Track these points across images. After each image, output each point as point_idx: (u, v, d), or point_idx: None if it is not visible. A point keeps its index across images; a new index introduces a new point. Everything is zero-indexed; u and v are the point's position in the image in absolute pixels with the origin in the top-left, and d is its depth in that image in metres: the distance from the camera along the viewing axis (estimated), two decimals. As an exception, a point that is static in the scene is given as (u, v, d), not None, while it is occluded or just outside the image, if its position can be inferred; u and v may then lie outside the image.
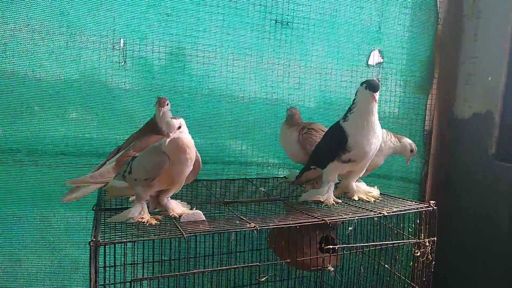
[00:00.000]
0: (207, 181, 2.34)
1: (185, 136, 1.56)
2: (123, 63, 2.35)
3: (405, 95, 2.85)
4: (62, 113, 2.26)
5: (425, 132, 2.94)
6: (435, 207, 1.80)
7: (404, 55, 2.80)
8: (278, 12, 2.55)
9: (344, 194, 2.08)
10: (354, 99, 1.87)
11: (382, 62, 2.77)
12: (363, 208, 1.81)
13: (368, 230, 2.11)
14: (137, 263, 1.77)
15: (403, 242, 1.81)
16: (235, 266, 1.46)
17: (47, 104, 2.22)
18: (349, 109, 1.88)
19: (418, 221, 1.85)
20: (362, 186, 2.07)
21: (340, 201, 1.95)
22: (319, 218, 1.63)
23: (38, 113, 2.21)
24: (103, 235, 1.40)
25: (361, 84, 1.84)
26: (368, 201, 1.97)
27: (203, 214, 1.68)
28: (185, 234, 1.37)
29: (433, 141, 2.93)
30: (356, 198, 1.99)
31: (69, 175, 2.16)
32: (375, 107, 1.84)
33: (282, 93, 2.62)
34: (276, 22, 2.56)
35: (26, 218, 2.23)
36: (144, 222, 1.54)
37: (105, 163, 1.92)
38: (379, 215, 1.70)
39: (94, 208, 1.73)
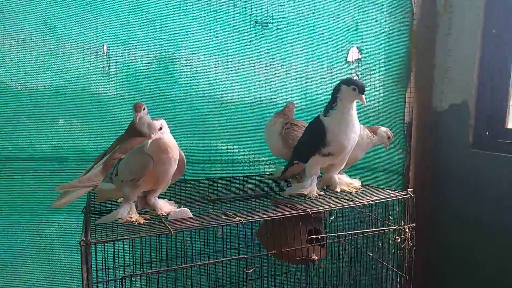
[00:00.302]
0: (194, 180, 2.39)
1: (167, 136, 1.62)
2: (107, 68, 2.40)
3: (384, 89, 2.94)
4: (49, 121, 2.30)
5: (405, 124, 3.03)
6: (412, 195, 1.89)
7: (382, 51, 2.89)
8: (258, 13, 2.62)
9: (327, 186, 2.16)
10: (336, 96, 1.93)
11: (361, 59, 2.86)
12: (344, 199, 1.89)
13: (353, 220, 2.20)
14: (133, 263, 1.83)
15: (382, 230, 1.89)
16: (223, 259, 1.51)
17: (34, 112, 2.26)
18: (331, 105, 1.95)
19: (398, 209, 1.93)
20: (344, 178, 2.15)
21: (323, 193, 2.03)
22: (302, 210, 1.69)
23: (24, 121, 2.25)
24: (93, 235, 1.45)
25: (347, 84, 1.90)
26: (350, 192, 2.04)
27: (192, 211, 1.74)
28: (173, 230, 1.43)
29: (413, 133, 3.02)
30: (338, 190, 2.07)
31: (59, 181, 2.19)
32: (355, 105, 1.92)
33: (265, 94, 2.69)
34: (256, 23, 2.63)
35: (18, 225, 2.26)
36: (132, 221, 1.59)
37: (92, 167, 1.97)
38: (359, 204, 1.77)
39: (83, 211, 1.78)
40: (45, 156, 2.28)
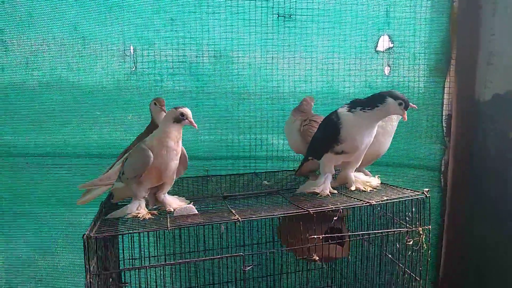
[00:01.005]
0: (215, 176, 2.44)
1: (169, 129, 1.68)
2: (134, 69, 2.51)
3: (419, 79, 2.76)
4: (79, 119, 2.46)
5: (444, 117, 2.83)
6: (428, 195, 1.77)
7: (417, 38, 2.71)
8: (280, 6, 2.58)
9: (343, 185, 2.09)
10: (377, 104, 1.83)
11: (392, 47, 2.70)
12: (354, 198, 1.82)
13: (370, 219, 2.12)
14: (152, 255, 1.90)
15: (392, 231, 1.80)
16: (219, 256, 1.54)
17: (66, 111, 2.44)
18: (363, 106, 1.84)
19: (413, 210, 1.82)
20: (361, 176, 2.07)
21: (335, 192, 1.97)
22: (304, 209, 1.66)
23: (57, 119, 2.43)
24: (99, 229, 1.55)
25: (394, 98, 1.81)
26: (365, 191, 1.96)
27: (201, 207, 1.79)
28: (169, 226, 1.48)
29: (453, 126, 2.81)
30: (353, 188, 1.99)
31: (89, 177, 2.36)
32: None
33: (288, 87, 2.66)
34: (278, 16, 2.59)
35: (41, 218, 2.46)
36: (139, 216, 1.67)
37: (113, 165, 2.09)
38: (366, 204, 1.70)
39: (100, 206, 1.89)
40: (76, 153, 2.45)
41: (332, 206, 1.69)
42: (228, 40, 2.56)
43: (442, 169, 2.86)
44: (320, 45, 2.65)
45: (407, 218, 1.87)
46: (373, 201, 1.73)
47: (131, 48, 2.49)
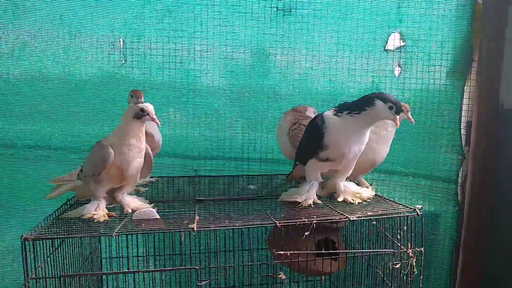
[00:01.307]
0: (201, 177, 2.28)
1: (130, 121, 1.55)
2: (123, 62, 2.40)
3: (435, 82, 2.48)
4: (66, 111, 2.38)
5: (463, 124, 2.53)
6: (420, 213, 1.53)
7: (433, 36, 2.44)
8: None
9: (332, 194, 1.88)
10: (364, 108, 1.63)
11: (404, 46, 2.45)
12: (336, 211, 1.61)
13: (364, 234, 1.89)
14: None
15: (376, 251, 1.57)
16: (169, 268, 1.38)
17: (52, 103, 2.36)
18: (350, 110, 1.66)
19: (405, 228, 1.58)
20: (351, 186, 1.85)
21: (320, 202, 1.76)
22: (271, 221, 1.47)
23: (44, 111, 2.35)
24: (46, 229, 1.43)
25: (383, 101, 1.61)
26: (352, 203, 1.74)
27: (165, 211, 1.64)
28: (114, 233, 1.33)
29: (472, 134, 2.52)
30: (340, 199, 1.78)
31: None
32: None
33: (286, 86, 2.47)
34: (277, 10, 2.40)
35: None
36: (94, 218, 1.54)
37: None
38: (344, 219, 1.49)
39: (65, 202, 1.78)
40: (61, 145, 2.36)
41: (304, 219, 1.48)
42: (222, 35, 2.40)
43: (460, 181, 2.56)
44: (323, 42, 2.44)
45: (398, 236, 1.63)
46: (354, 216, 1.51)
47: (121, 40, 2.38)
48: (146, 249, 1.92)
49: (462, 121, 2.51)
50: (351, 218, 1.49)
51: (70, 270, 1.51)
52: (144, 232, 1.35)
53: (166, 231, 1.37)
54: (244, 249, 1.57)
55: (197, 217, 1.55)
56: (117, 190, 1.68)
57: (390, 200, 1.77)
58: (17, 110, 2.33)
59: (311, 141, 1.73)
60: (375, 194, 1.89)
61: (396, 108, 1.57)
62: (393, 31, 2.44)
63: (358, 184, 2.06)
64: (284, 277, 1.52)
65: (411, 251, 1.52)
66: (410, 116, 1.90)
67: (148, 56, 2.40)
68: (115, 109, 2.38)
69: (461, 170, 2.53)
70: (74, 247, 1.63)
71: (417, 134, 2.50)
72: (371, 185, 2.52)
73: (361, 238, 1.95)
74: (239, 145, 2.47)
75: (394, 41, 2.45)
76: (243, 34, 2.41)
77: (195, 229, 1.38)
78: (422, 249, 1.54)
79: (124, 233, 1.35)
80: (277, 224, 1.44)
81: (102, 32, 2.37)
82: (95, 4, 2.34)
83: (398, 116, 1.58)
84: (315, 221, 1.46)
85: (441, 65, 2.45)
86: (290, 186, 2.13)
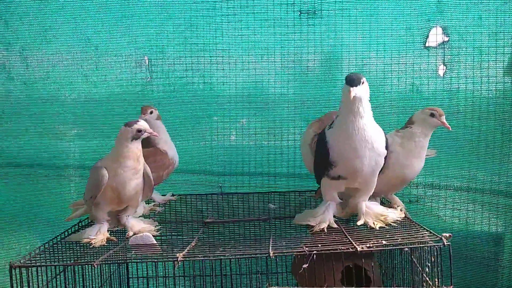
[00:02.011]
0: (218, 194, 2.17)
1: (129, 144, 1.50)
2: (149, 79, 2.40)
3: (489, 81, 2.12)
4: (95, 130, 2.43)
5: (530, 127, 2.14)
6: (447, 242, 1.26)
7: (483, 28, 2.10)
8: (302, 2, 2.22)
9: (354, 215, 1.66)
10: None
11: (448, 41, 2.13)
12: (346, 238, 1.40)
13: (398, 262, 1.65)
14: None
15: None
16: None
17: (81, 122, 2.42)
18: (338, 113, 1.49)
19: (433, 260, 1.32)
20: (375, 207, 1.61)
21: (335, 226, 1.56)
22: (263, 251, 1.31)
23: (75, 131, 2.43)
24: (40, 255, 1.42)
25: (345, 80, 1.43)
26: (373, 228, 1.51)
27: (167, 235, 1.57)
28: (95, 263, 1.28)
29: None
30: (360, 222, 1.56)
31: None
32: (362, 107, 1.41)
33: (314, 93, 2.28)
34: (300, 13, 2.24)
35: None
36: (93, 243, 1.51)
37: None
38: (348, 250, 1.28)
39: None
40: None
41: (305, 248, 1.30)
42: (243, 44, 2.29)
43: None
44: (352, 43, 2.21)
45: (427, 269, 1.38)
46: (364, 245, 1.29)
47: (146, 58, 2.38)
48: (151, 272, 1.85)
49: (525, 124, 2.10)
50: (358, 249, 1.27)
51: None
52: (124, 262, 1.27)
53: (147, 261, 1.27)
54: (242, 273, 1.41)
55: (193, 243, 1.44)
56: (122, 212, 1.64)
57: (418, 225, 1.50)
58: (49, 131, 2.42)
59: (319, 159, 1.56)
60: (405, 217, 1.62)
61: (346, 78, 1.38)
62: (434, 24, 2.13)
63: (390, 203, 1.81)
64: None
65: (436, 289, 1.25)
66: (445, 121, 1.61)
67: (171, 71, 2.36)
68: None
69: (529, 183, 2.12)
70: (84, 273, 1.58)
71: (470, 142, 2.15)
72: (416, 201, 2.26)
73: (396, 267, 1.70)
74: (265, 159, 2.32)
75: (436, 36, 2.14)
76: (265, 43, 2.27)
77: (179, 259, 1.27)
78: (452, 287, 1.26)
79: (107, 262, 1.29)
80: (271, 255, 1.27)
81: (126, 51, 2.38)
82: (119, 24, 2.37)
83: (351, 87, 1.35)
84: (315, 251, 1.27)
85: (496, 61, 2.09)
86: (316, 203, 1.94)
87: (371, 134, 1.43)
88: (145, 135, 1.54)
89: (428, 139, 1.65)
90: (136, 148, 1.53)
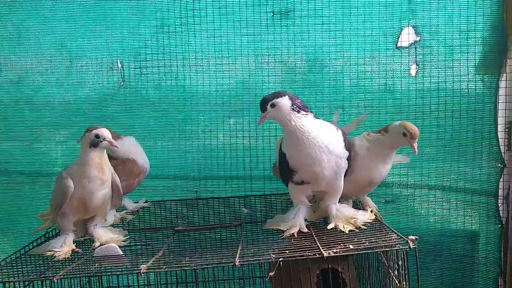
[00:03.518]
0: (187, 200, 2.15)
1: (89, 151, 1.47)
2: (122, 83, 2.36)
3: (461, 79, 2.13)
4: (69, 135, 2.38)
5: (504, 126, 2.15)
6: (413, 245, 1.26)
7: (454, 26, 2.10)
8: (275, 2, 2.20)
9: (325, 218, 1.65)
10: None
11: (419, 41, 2.13)
12: (314, 244, 1.39)
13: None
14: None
15: None
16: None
17: (54, 127, 2.37)
18: None
19: (400, 263, 1.32)
20: (345, 210, 1.60)
21: (306, 230, 1.54)
22: (230, 259, 1.29)
23: (46, 136, 2.38)
24: (7, 268, 1.38)
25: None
26: (343, 231, 1.50)
27: (135, 244, 1.54)
28: (56, 278, 1.24)
29: (514, 137, 2.12)
30: (331, 226, 1.55)
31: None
32: (283, 118, 1.42)
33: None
34: (273, 14, 2.22)
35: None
36: (55, 256, 1.47)
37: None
38: (315, 256, 1.26)
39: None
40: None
41: (272, 256, 1.28)
42: (216, 47, 2.26)
43: (502, 194, 2.17)
44: (325, 44, 2.19)
45: (396, 272, 1.37)
46: (330, 251, 1.28)
47: (118, 62, 2.34)
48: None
49: (499, 122, 2.11)
50: (325, 254, 1.25)
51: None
52: (86, 276, 1.23)
53: (109, 274, 1.24)
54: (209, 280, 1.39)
55: (159, 253, 1.41)
56: (89, 221, 1.60)
57: (387, 228, 1.49)
58: (20, 136, 2.37)
59: (281, 165, 1.56)
60: (376, 219, 1.62)
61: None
62: (406, 24, 2.13)
63: (362, 205, 1.81)
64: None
65: (403, 293, 1.25)
66: (415, 145, 1.56)
67: (144, 74, 2.33)
68: (115, 129, 2.33)
69: (502, 180, 2.13)
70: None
71: (443, 141, 2.15)
72: (391, 201, 2.26)
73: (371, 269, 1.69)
74: (240, 163, 2.30)
75: (407, 35, 2.14)
76: (238, 42, 2.24)
77: (142, 271, 1.24)
78: (419, 290, 1.26)
79: (68, 276, 1.25)
80: (236, 264, 1.25)
81: (99, 54, 2.34)
82: (91, 27, 2.32)
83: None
84: (281, 259, 1.25)
85: (467, 59, 2.09)
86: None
87: (322, 138, 1.42)
88: (105, 143, 1.49)
89: (394, 151, 1.64)
90: (96, 156, 1.49)
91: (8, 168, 2.41)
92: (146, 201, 2.10)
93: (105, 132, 1.48)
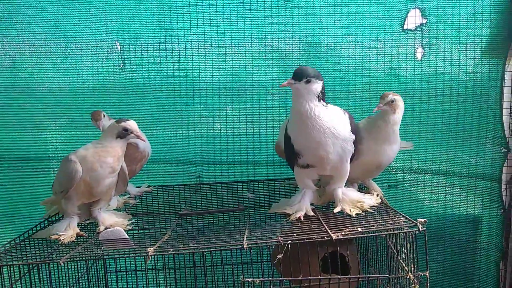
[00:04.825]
0: (190, 185, 2.12)
1: (113, 141, 1.46)
2: (122, 65, 2.32)
3: (467, 63, 2.10)
4: (69, 121, 2.35)
5: (509, 110, 2.13)
6: (422, 228, 1.25)
7: (461, 9, 2.06)
8: (279, -15, 2.16)
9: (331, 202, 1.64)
10: None
11: (426, 23, 2.10)
12: (322, 227, 1.38)
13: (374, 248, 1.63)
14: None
15: (366, 277, 1.31)
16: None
17: (52, 112, 2.33)
18: None
19: (408, 246, 1.31)
20: (351, 193, 1.59)
21: (312, 214, 1.53)
22: (237, 242, 1.28)
23: (43, 122, 2.34)
24: (11, 252, 1.36)
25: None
26: (349, 215, 1.49)
27: (139, 228, 1.52)
28: (61, 260, 1.23)
29: (520, 122, 2.11)
30: (337, 209, 1.54)
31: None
32: (304, 97, 1.39)
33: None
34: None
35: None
36: (60, 239, 1.45)
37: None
38: (323, 239, 1.25)
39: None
40: (61, 155, 2.33)
41: (280, 239, 1.27)
42: (219, 31, 2.22)
43: (506, 179, 2.16)
44: (330, 27, 2.15)
45: (403, 255, 1.36)
46: (339, 233, 1.27)
47: (117, 44, 2.29)
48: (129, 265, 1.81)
49: (504, 107, 2.10)
50: (333, 237, 1.24)
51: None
52: (92, 258, 1.22)
53: (116, 257, 1.22)
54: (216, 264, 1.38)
55: (165, 237, 1.40)
56: (94, 205, 1.58)
57: (395, 211, 1.48)
58: (17, 122, 2.33)
59: (286, 149, 1.54)
60: (382, 203, 1.61)
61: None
62: (412, 6, 2.09)
63: (367, 189, 1.80)
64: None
65: (411, 275, 1.24)
66: (380, 105, 1.58)
67: (145, 57, 2.28)
68: (116, 114, 2.30)
69: (505, 165, 2.13)
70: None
71: (448, 125, 2.14)
72: (395, 186, 2.26)
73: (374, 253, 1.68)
74: (243, 147, 2.28)
75: (414, 18, 2.10)
76: (242, 25, 2.20)
77: (149, 254, 1.23)
78: (427, 273, 1.25)
79: (74, 259, 1.24)
80: (244, 246, 1.24)
81: (98, 36, 2.29)
82: (88, 8, 2.26)
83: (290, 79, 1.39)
84: (289, 241, 1.24)
85: (474, 42, 2.06)
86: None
87: (327, 121, 1.40)
88: (132, 136, 1.49)
89: (392, 126, 1.60)
90: (119, 147, 1.48)
91: (8, 155, 2.37)
92: (149, 186, 2.08)
93: (133, 126, 1.48)
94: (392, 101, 1.55)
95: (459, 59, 2.10)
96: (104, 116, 1.85)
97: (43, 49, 2.30)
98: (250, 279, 1.23)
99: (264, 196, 1.98)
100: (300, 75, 1.36)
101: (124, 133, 1.48)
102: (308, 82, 1.37)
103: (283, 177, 2.18)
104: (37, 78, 2.32)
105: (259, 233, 1.38)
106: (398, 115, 1.58)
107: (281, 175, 2.25)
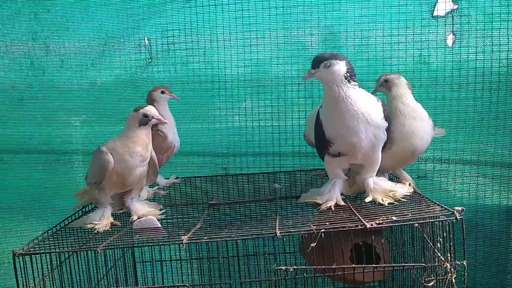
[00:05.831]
0: (218, 176, 2.13)
1: (137, 129, 1.49)
2: (150, 60, 2.35)
3: (500, 49, 2.04)
4: (101, 116, 2.39)
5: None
6: (460, 216, 1.22)
7: (499, -9, 2.00)
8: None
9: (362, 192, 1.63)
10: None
11: (457, 9, 2.04)
12: (354, 216, 1.36)
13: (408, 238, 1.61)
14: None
15: (402, 266, 1.29)
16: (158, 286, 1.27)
17: (87, 108, 2.40)
18: None
19: (445, 235, 1.29)
20: (383, 183, 1.57)
21: (343, 203, 1.52)
22: (270, 231, 1.28)
23: (81, 117, 2.41)
24: (43, 243, 1.39)
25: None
26: (382, 204, 1.47)
27: (172, 218, 1.55)
28: (99, 248, 1.26)
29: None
30: (368, 199, 1.52)
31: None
32: (332, 82, 1.37)
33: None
34: (300, -13, 2.15)
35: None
36: (95, 228, 1.49)
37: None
38: (357, 227, 1.24)
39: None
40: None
41: (312, 227, 1.26)
42: (244, 20, 2.21)
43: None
44: (357, 16, 2.12)
45: (438, 245, 1.34)
46: (374, 222, 1.25)
47: (146, 39, 2.32)
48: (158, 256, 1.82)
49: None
50: (368, 226, 1.23)
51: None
52: (129, 246, 1.24)
53: (151, 244, 1.25)
54: (249, 254, 1.39)
55: (198, 226, 1.41)
56: (126, 195, 1.61)
57: (429, 200, 1.46)
58: (57, 118, 2.41)
59: (317, 137, 1.53)
60: (415, 192, 1.58)
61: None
62: (442, -9, 2.04)
63: (398, 179, 1.77)
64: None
65: (448, 265, 1.22)
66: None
67: (172, 51, 2.30)
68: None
69: (541, 154, 2.06)
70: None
71: (480, 114, 2.08)
72: (424, 177, 2.22)
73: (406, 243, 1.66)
74: (269, 138, 2.28)
75: (444, 4, 2.05)
76: (267, 19, 2.19)
77: (184, 242, 1.24)
78: (465, 262, 1.23)
79: (110, 247, 1.26)
80: (278, 235, 1.24)
81: (130, 32, 2.32)
82: (121, 5, 2.30)
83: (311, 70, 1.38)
84: (323, 230, 1.23)
85: (506, 28, 2.00)
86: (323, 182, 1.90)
87: (361, 106, 1.37)
88: (153, 121, 1.51)
89: (395, 102, 1.59)
90: (144, 134, 1.51)
91: (42, 149, 2.44)
92: (177, 177, 2.10)
93: (152, 110, 1.50)
94: (386, 81, 1.56)
95: (492, 45, 2.04)
96: (162, 92, 1.90)
97: (85, 50, 2.35)
98: (283, 267, 1.23)
99: (290, 187, 1.97)
100: (317, 62, 1.35)
101: (145, 120, 1.50)
102: (327, 66, 1.35)
103: (309, 168, 2.17)
104: (78, 76, 2.37)
105: (290, 222, 1.37)
106: (395, 92, 1.58)
107: (307, 165, 2.24)
